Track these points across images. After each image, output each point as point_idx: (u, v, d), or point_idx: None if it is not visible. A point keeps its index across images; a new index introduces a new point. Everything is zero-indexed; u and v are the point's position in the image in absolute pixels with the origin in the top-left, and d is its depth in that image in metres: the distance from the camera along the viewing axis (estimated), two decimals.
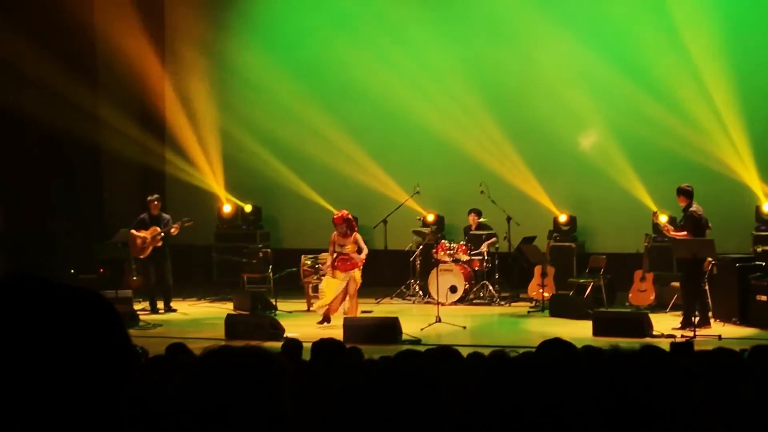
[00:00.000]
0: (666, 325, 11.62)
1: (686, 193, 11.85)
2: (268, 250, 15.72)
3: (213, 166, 17.21)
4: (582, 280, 14.13)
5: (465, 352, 5.09)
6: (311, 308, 13.49)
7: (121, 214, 15.37)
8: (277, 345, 7.67)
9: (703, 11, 14.58)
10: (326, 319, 12.38)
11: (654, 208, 14.73)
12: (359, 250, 12.58)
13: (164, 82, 17.50)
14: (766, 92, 14.51)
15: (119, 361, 1.36)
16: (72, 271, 14.67)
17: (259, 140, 16.75)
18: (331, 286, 12.52)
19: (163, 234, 13.73)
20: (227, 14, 17.27)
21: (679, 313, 12.60)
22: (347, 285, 12.50)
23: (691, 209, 11.79)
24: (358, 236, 12.71)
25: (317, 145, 16.41)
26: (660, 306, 13.26)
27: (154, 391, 3.08)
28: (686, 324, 11.38)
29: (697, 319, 11.45)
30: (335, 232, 12.67)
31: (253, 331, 10.96)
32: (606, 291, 13.84)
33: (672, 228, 12.23)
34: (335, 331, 10.72)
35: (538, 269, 14.09)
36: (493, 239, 14.78)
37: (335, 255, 12.56)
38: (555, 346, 4.37)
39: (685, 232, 11.77)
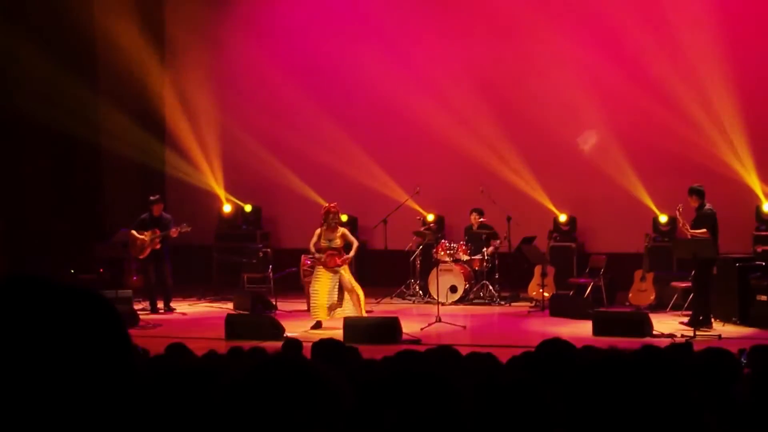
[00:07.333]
0: (666, 325, 11.60)
1: (698, 193, 11.94)
2: (268, 250, 15.72)
3: (213, 166, 17.21)
4: (582, 280, 14.13)
5: (465, 352, 5.10)
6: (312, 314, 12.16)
7: (121, 214, 15.37)
8: (277, 345, 7.68)
9: (703, 11, 14.58)
10: (318, 325, 11.80)
11: (654, 209, 14.75)
12: (348, 245, 11.95)
13: (164, 82, 17.50)
14: (766, 92, 14.50)
15: (120, 361, 1.36)
16: (72, 271, 14.66)
17: (259, 140, 16.75)
18: (323, 284, 11.88)
19: (162, 236, 13.73)
20: (227, 14, 17.26)
21: (680, 312, 12.61)
22: (340, 280, 11.85)
23: (709, 208, 11.84)
24: (344, 230, 12.10)
25: (317, 145, 16.41)
26: (660, 306, 13.26)
27: (155, 391, 3.08)
28: (695, 323, 11.35)
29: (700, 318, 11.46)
30: (323, 227, 11.92)
31: (253, 331, 10.96)
32: (606, 291, 13.84)
33: (688, 227, 11.94)
34: (335, 331, 10.72)
35: (538, 269, 14.09)
36: (497, 242, 14.69)
37: (324, 250, 11.83)
38: (555, 346, 4.37)
39: (704, 230, 11.73)
